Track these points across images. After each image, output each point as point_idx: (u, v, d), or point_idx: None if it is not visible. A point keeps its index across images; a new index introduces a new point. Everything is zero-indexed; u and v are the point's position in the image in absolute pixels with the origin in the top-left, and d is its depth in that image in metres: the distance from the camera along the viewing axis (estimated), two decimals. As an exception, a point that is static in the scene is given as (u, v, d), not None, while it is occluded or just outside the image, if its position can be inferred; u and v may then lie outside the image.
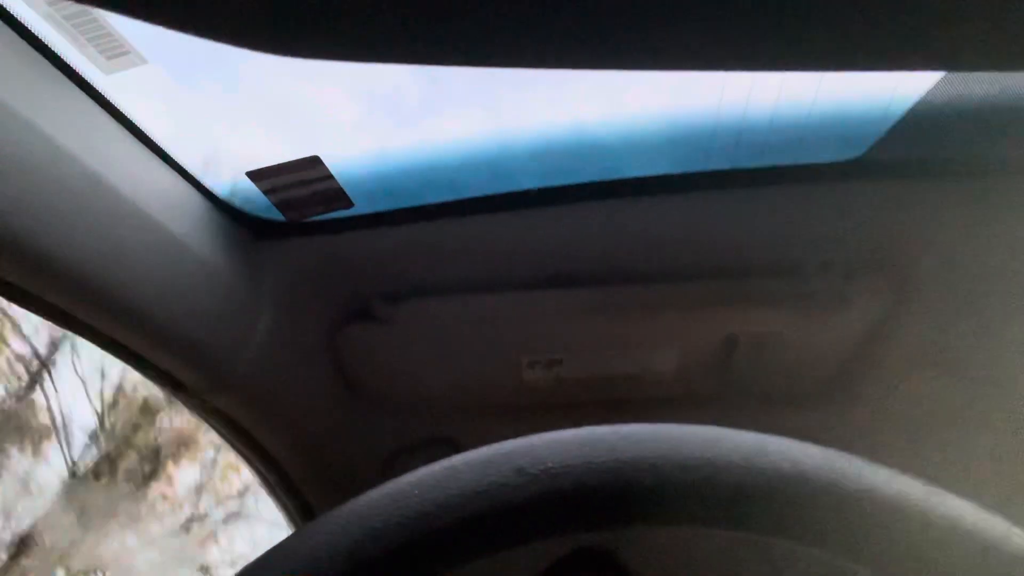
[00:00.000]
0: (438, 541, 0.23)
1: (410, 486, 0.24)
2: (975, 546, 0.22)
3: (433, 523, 0.23)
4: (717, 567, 0.70)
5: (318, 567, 0.22)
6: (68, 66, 0.48)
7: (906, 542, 0.22)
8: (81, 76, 0.48)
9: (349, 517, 0.24)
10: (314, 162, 0.56)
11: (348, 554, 0.23)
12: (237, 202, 0.62)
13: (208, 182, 0.59)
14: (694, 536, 0.25)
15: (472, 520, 0.23)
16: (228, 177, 0.60)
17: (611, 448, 0.24)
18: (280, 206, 0.60)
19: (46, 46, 0.46)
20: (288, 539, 0.24)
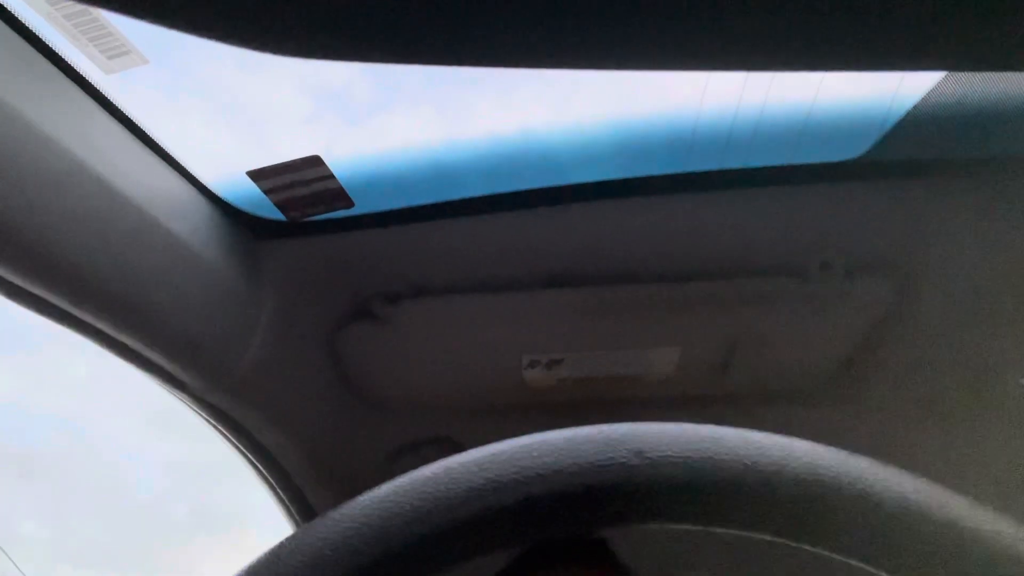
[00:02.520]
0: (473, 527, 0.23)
1: (448, 469, 0.24)
2: (983, 548, 0.22)
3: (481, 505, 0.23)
4: (712, 562, 0.70)
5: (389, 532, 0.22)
6: (69, 65, 0.48)
7: (910, 542, 0.22)
8: (82, 75, 0.48)
9: (384, 500, 0.23)
10: (314, 162, 0.56)
11: (404, 526, 0.22)
12: (237, 201, 0.62)
13: (208, 181, 0.59)
14: (690, 531, 0.25)
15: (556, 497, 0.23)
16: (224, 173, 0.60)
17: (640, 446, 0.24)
18: (280, 206, 0.60)
19: (47, 45, 0.46)
20: (298, 532, 0.24)
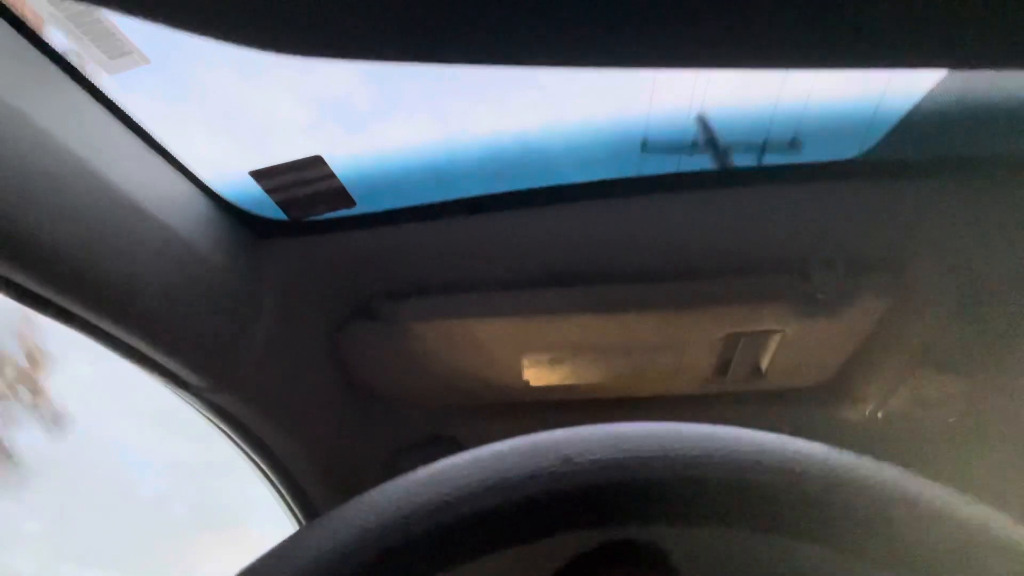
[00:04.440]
0: (472, 527, 0.23)
1: (450, 469, 0.24)
2: (985, 546, 0.22)
3: (477, 504, 0.23)
4: (755, 566, 0.70)
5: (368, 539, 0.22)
6: (71, 66, 0.48)
7: (914, 541, 0.22)
8: (84, 76, 0.49)
9: (382, 500, 0.23)
10: (316, 161, 0.56)
11: (383, 536, 0.22)
12: (240, 201, 0.62)
13: (210, 181, 0.59)
14: (734, 534, 0.25)
15: (518, 505, 0.23)
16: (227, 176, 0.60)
17: (647, 445, 0.24)
18: (283, 205, 0.60)
19: (49, 46, 0.46)
20: (301, 530, 0.24)
